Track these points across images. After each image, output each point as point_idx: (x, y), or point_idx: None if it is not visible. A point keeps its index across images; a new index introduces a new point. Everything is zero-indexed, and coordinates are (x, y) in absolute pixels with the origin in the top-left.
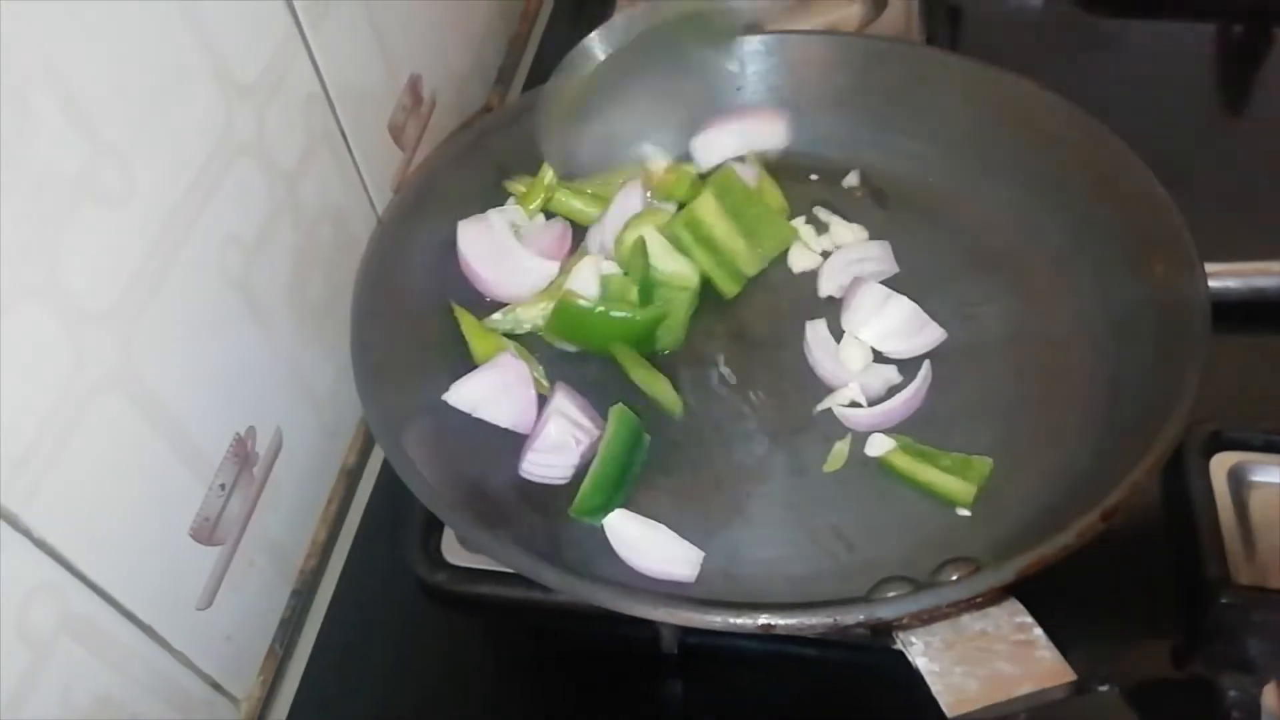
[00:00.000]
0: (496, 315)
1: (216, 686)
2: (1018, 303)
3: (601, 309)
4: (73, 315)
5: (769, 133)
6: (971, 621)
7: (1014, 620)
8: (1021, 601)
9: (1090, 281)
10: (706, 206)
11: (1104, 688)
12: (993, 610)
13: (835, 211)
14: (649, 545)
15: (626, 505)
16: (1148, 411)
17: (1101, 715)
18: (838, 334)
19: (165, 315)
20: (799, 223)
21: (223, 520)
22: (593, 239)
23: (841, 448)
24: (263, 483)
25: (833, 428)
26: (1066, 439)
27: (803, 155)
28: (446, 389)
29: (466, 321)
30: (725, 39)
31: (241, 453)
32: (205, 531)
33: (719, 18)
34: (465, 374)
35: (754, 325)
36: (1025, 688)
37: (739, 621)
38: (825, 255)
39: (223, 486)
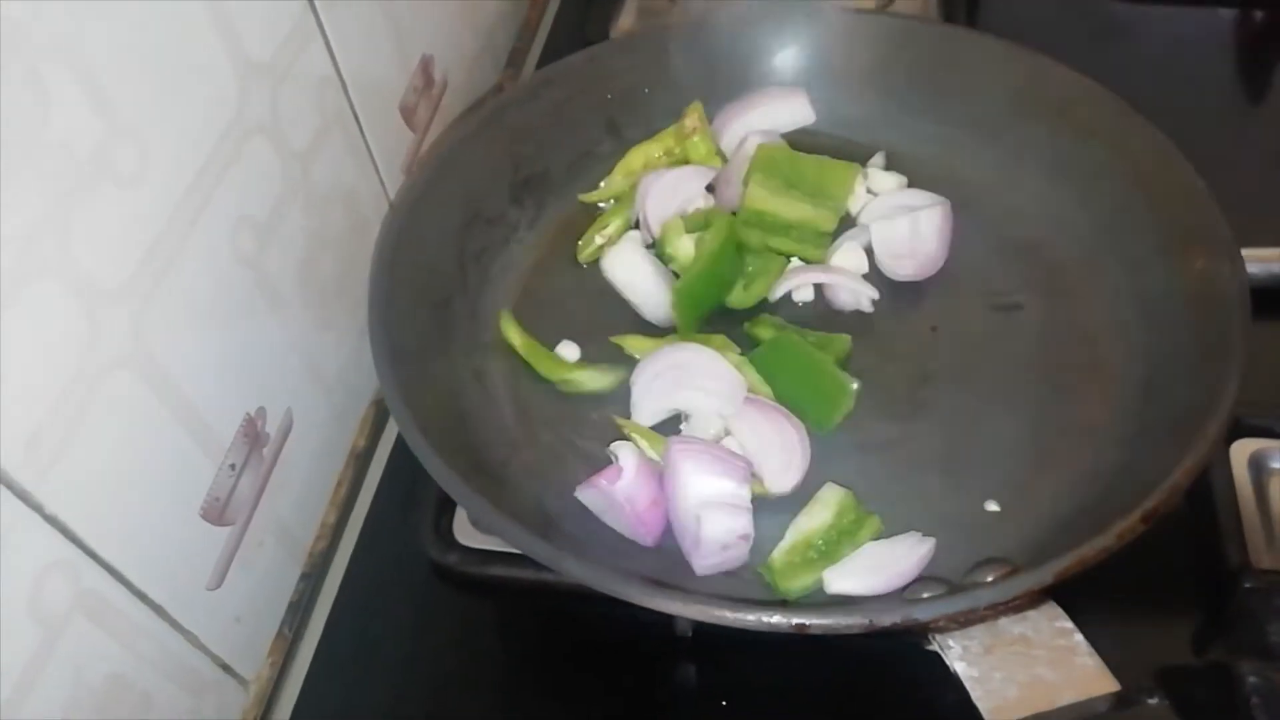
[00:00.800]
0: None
1: (226, 668)
2: (1047, 295)
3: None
4: (86, 293)
5: (793, 110)
6: (1010, 625)
7: (1054, 624)
8: None
9: (1123, 274)
10: (758, 197)
11: (1153, 700)
12: (1031, 613)
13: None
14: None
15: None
16: (1186, 410)
17: None
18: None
19: (177, 294)
20: None
21: (233, 500)
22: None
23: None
24: (273, 463)
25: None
26: (1099, 436)
27: (828, 137)
28: (464, 371)
29: (526, 344)
30: None
31: (252, 433)
32: (215, 511)
33: None
34: (484, 359)
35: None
36: (1068, 696)
37: (773, 621)
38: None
39: (233, 467)
